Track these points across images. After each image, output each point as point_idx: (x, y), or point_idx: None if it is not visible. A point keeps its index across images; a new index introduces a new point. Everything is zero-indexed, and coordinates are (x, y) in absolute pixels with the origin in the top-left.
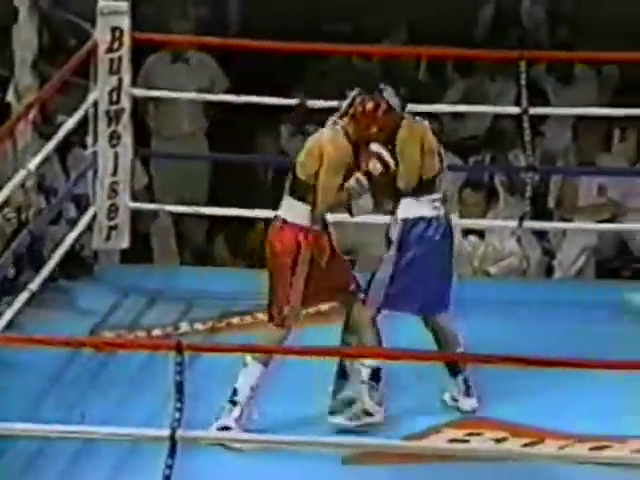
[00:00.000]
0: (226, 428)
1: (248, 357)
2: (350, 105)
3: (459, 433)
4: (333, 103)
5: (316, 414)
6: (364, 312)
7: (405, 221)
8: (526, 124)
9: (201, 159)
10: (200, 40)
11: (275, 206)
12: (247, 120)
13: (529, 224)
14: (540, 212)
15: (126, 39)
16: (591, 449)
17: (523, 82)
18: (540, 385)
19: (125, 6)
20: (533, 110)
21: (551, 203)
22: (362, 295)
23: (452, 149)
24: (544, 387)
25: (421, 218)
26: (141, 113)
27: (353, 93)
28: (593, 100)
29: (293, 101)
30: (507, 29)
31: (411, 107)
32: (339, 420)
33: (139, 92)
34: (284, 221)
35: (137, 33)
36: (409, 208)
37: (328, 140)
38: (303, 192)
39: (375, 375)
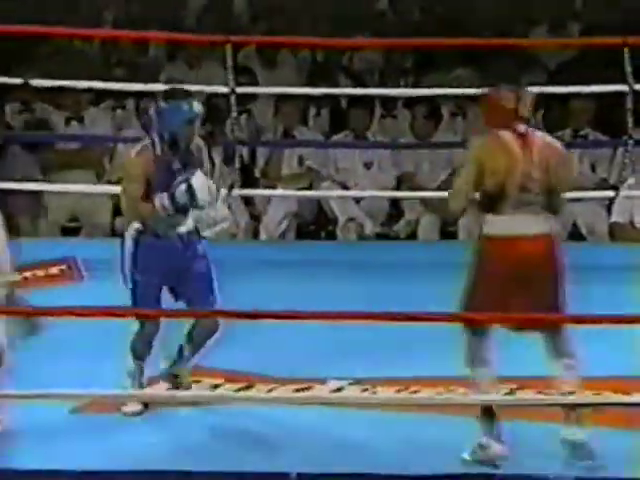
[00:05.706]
0: None
1: None
2: None
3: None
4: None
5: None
6: None
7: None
8: (233, 102)
9: None
10: None
11: None
12: None
13: (238, 192)
14: (247, 180)
15: None
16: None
17: (230, 64)
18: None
19: None
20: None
21: (257, 173)
22: None
23: None
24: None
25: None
26: None
27: None
28: (292, 81)
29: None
30: (218, 15)
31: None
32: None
33: None
34: None
35: None
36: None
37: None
38: None
39: None
